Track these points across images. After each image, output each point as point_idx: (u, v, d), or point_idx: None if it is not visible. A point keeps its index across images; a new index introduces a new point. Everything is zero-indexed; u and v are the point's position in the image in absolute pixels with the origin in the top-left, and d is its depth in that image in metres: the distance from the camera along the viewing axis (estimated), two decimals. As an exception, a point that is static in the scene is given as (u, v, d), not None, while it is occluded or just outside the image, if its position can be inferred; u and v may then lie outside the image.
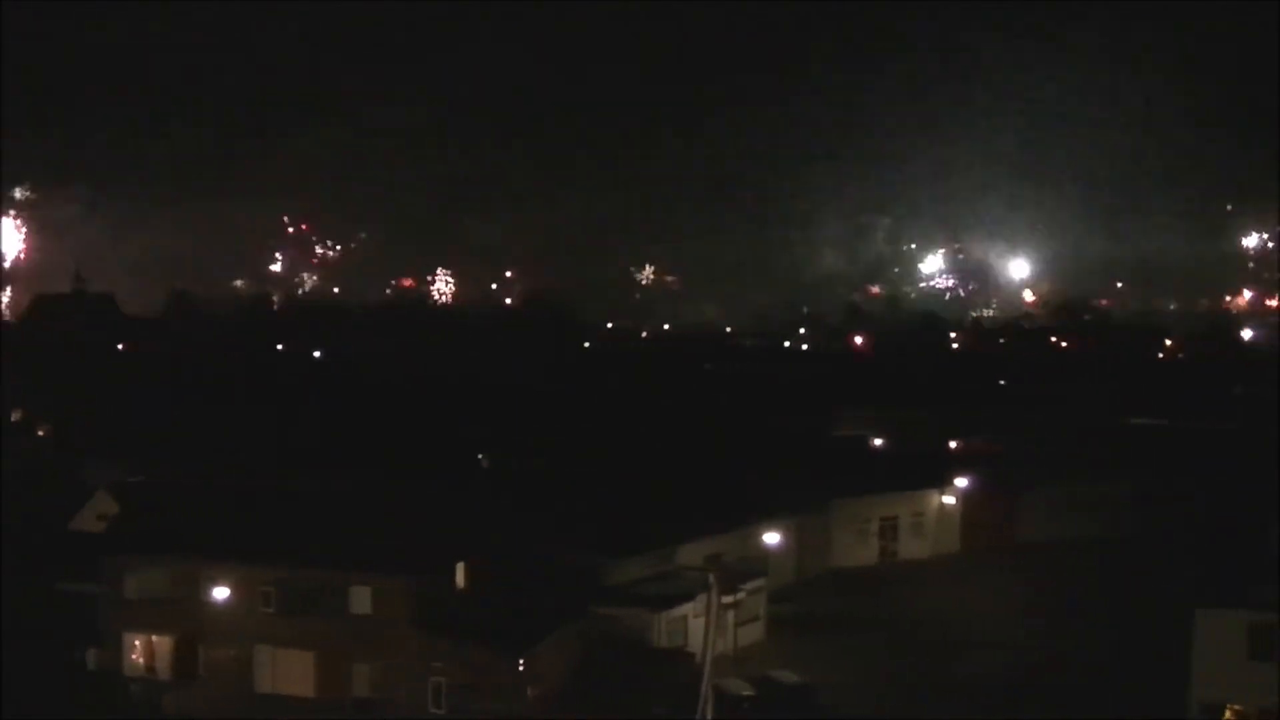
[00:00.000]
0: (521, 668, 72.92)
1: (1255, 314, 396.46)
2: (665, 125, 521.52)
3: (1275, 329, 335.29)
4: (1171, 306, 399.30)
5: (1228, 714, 70.64)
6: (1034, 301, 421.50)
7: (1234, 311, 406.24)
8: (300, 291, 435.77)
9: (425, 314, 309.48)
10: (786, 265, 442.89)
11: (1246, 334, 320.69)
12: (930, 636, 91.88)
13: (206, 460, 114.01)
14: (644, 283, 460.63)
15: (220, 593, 78.60)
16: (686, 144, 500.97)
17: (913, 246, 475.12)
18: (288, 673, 77.98)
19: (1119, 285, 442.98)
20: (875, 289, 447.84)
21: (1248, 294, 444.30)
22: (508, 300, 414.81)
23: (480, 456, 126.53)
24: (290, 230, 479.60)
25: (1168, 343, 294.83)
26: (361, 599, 76.60)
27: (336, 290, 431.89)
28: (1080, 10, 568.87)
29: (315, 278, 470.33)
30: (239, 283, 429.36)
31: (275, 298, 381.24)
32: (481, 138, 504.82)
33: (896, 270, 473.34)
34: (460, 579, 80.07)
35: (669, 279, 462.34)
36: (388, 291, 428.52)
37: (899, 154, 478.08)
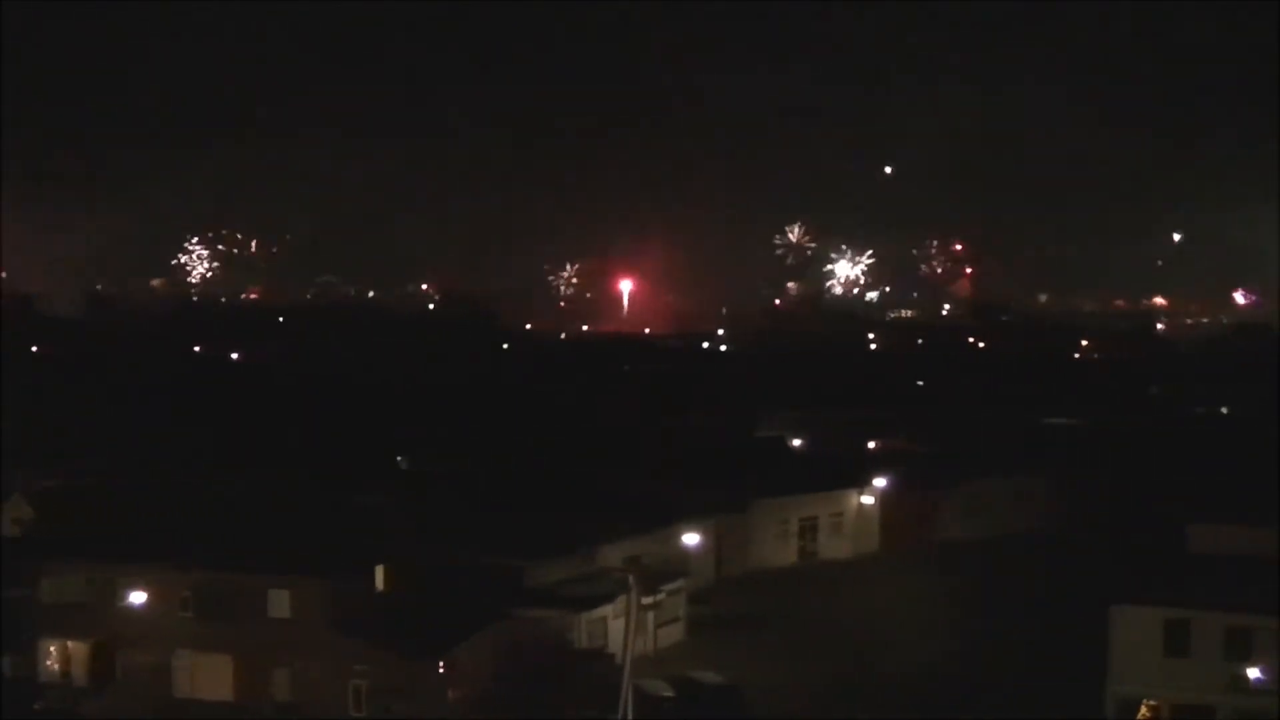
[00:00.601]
0: (442, 670, 72.82)
1: (1171, 314, 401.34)
2: (590, 128, 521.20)
3: (1189, 329, 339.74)
4: (1088, 308, 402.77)
5: (1144, 709, 71.50)
6: (953, 302, 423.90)
7: (1150, 311, 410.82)
8: (220, 292, 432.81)
9: (346, 315, 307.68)
10: (705, 266, 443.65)
11: (1161, 334, 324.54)
12: (850, 636, 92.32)
13: (123, 464, 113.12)
14: (565, 286, 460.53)
15: (137, 597, 78.05)
16: (609, 147, 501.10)
17: (843, 248, 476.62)
18: (207, 677, 77.56)
19: (1039, 286, 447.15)
20: (793, 289, 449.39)
21: (1162, 296, 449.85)
22: (430, 304, 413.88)
23: (400, 458, 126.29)
24: (209, 233, 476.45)
25: (1084, 343, 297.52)
26: (280, 602, 76.25)
27: (254, 294, 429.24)
28: (999, 12, 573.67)
29: (236, 278, 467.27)
30: (156, 282, 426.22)
31: (195, 298, 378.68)
32: (407, 140, 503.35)
33: (812, 272, 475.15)
34: (380, 581, 79.88)
35: (584, 287, 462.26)
36: (308, 295, 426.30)
37: (819, 157, 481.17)
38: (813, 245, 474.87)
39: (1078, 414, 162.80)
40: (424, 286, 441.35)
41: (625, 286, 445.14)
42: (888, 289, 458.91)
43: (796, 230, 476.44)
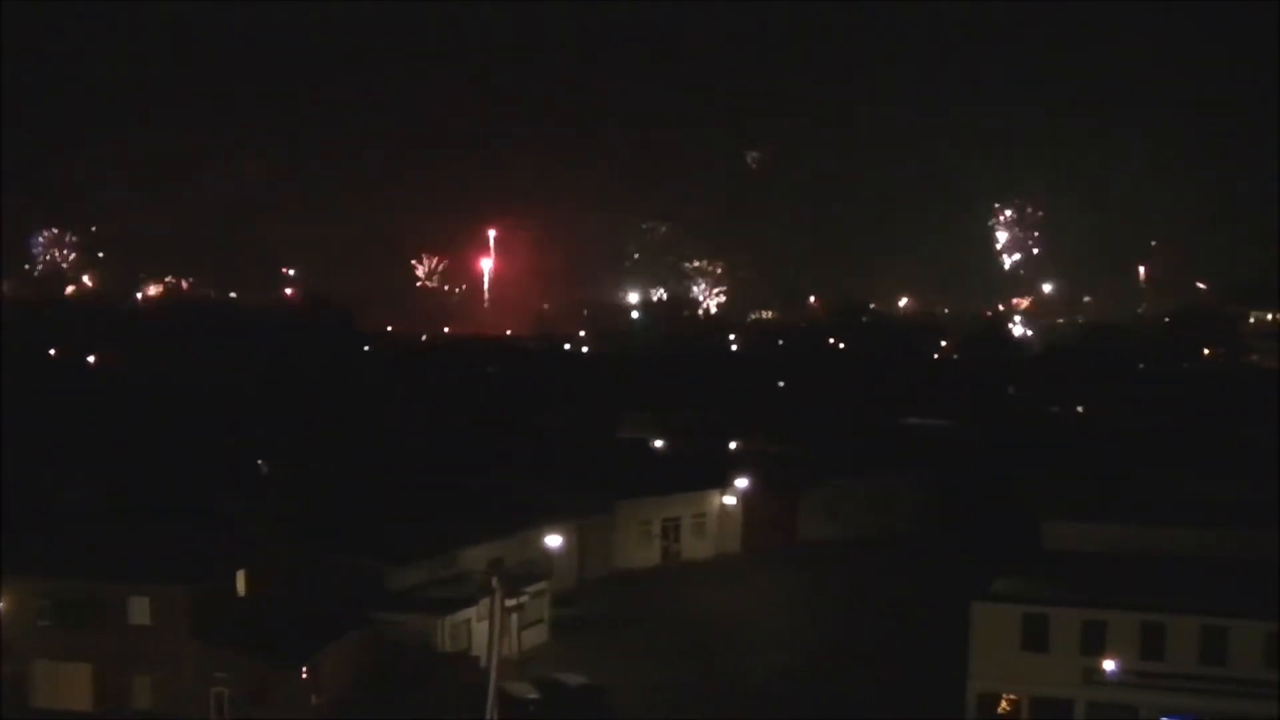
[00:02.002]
0: (305, 675, 72.39)
1: (1029, 315, 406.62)
2: (460, 130, 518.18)
3: (1046, 331, 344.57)
4: (946, 310, 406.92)
5: (1004, 703, 72.59)
6: (814, 304, 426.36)
7: (1006, 313, 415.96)
8: (73, 294, 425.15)
9: (204, 317, 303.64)
10: (568, 269, 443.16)
11: (1019, 335, 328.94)
12: (712, 635, 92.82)
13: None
14: (426, 284, 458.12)
15: (-7, 607, 76.88)
16: (475, 149, 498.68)
17: (707, 263, 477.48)
18: (66, 687, 76.39)
19: (902, 289, 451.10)
20: (657, 291, 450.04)
21: (1019, 298, 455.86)
22: (290, 306, 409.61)
23: (260, 463, 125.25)
24: (59, 232, 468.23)
25: (943, 344, 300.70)
26: (140, 610, 75.30)
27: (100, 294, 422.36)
28: (862, 11, 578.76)
29: (88, 278, 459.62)
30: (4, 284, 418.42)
31: (45, 300, 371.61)
32: (272, 139, 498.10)
33: (676, 273, 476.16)
34: (241, 587, 79.20)
35: (448, 286, 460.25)
36: (144, 293, 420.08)
37: (684, 161, 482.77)
38: (674, 247, 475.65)
39: (936, 414, 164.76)
40: (287, 290, 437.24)
41: (487, 288, 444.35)
42: (748, 291, 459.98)
43: (660, 232, 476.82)
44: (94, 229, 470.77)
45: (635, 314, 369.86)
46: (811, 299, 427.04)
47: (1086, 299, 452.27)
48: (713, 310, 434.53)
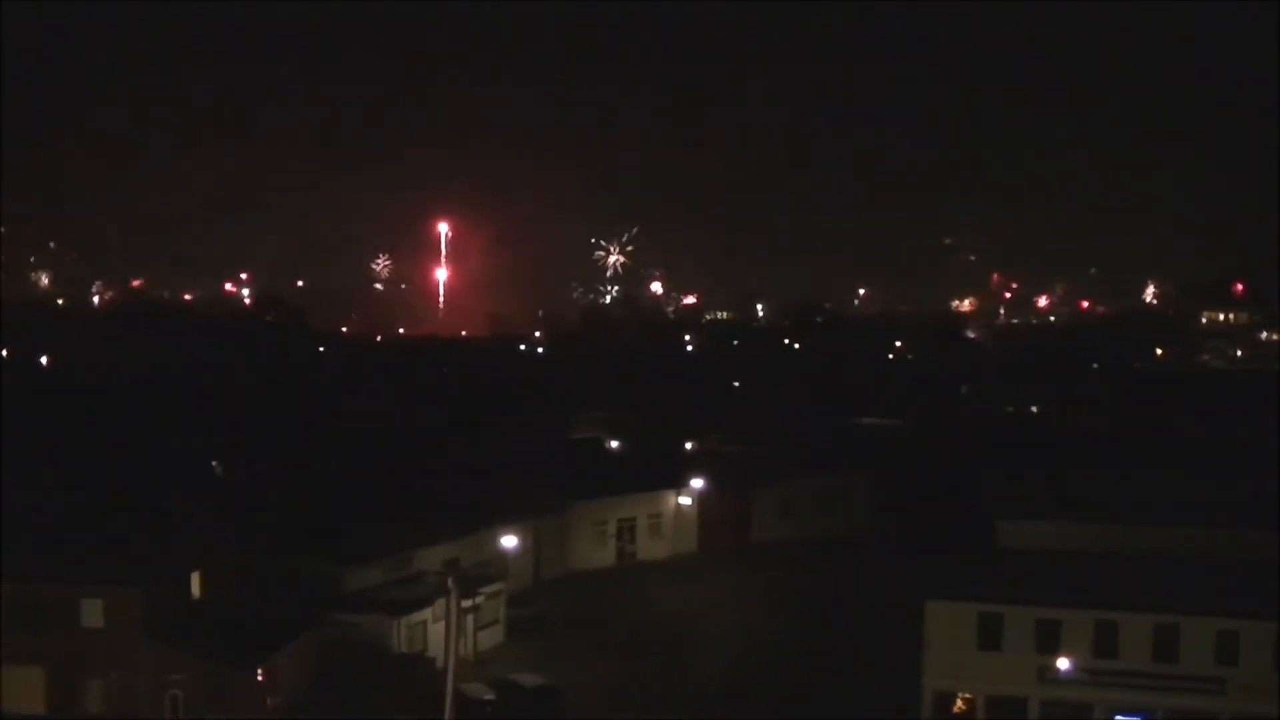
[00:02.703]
0: (260, 677, 72.14)
1: (980, 316, 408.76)
2: (416, 132, 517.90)
3: (999, 331, 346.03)
4: (901, 308, 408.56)
5: (959, 702, 72.93)
6: (769, 305, 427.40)
7: (960, 313, 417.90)
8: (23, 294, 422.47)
9: (158, 318, 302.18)
10: (523, 270, 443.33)
11: (972, 336, 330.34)
12: (668, 636, 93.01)
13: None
14: (381, 283, 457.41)
15: (-56, 610, 76.29)
16: (437, 154, 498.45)
17: (668, 272, 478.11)
18: (18, 690, 75.70)
19: (859, 289, 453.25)
20: (611, 293, 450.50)
21: (972, 298, 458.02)
22: (245, 307, 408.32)
23: (214, 463, 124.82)
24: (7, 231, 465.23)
25: (898, 344, 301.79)
26: (94, 612, 74.80)
27: (61, 298, 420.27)
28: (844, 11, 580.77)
29: (44, 279, 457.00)
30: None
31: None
32: (230, 139, 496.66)
33: (631, 276, 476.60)
34: (196, 588, 78.89)
35: (404, 285, 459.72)
36: (96, 294, 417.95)
37: (639, 162, 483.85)
38: (630, 249, 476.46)
39: (890, 414, 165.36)
40: (245, 292, 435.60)
41: (442, 290, 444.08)
42: (702, 292, 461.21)
43: (620, 239, 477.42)
44: (51, 242, 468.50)
45: (591, 314, 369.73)
46: (765, 302, 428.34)
47: (1045, 299, 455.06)
48: (683, 304, 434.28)
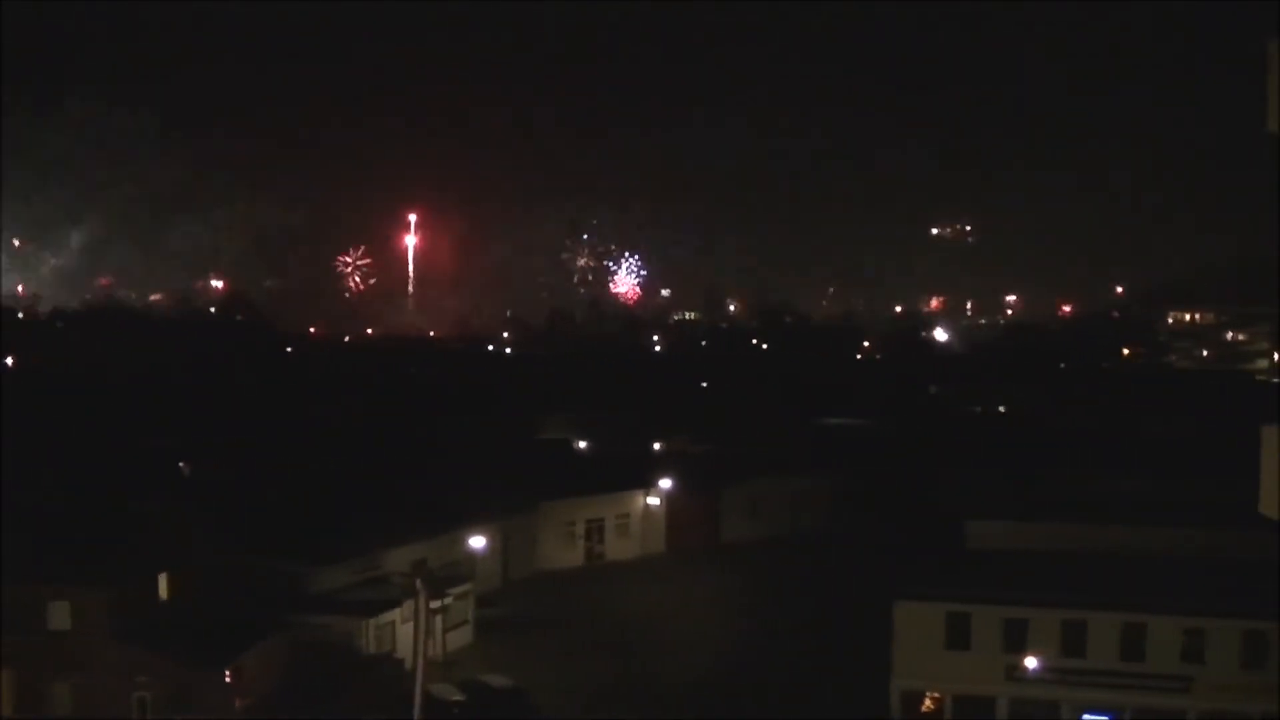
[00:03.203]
0: (228, 678, 71.91)
1: (947, 315, 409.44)
2: (384, 132, 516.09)
3: (965, 331, 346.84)
4: (866, 309, 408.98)
5: (928, 702, 73.12)
6: (737, 305, 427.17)
7: (928, 313, 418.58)
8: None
9: (124, 320, 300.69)
10: (492, 270, 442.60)
11: (940, 335, 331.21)
12: (636, 637, 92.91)
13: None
14: (349, 288, 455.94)
15: (-92, 612, 75.83)
16: (405, 153, 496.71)
17: (627, 254, 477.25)
18: (-16, 692, 75.60)
19: (828, 290, 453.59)
20: (580, 293, 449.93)
21: (938, 298, 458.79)
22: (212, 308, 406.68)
23: (181, 465, 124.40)
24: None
25: (866, 344, 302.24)
26: (60, 614, 74.39)
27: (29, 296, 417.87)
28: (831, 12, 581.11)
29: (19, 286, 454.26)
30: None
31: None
32: (190, 139, 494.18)
33: (599, 276, 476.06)
34: (163, 590, 78.59)
35: (372, 281, 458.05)
36: (85, 299, 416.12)
37: (609, 161, 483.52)
38: (600, 251, 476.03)
39: (858, 414, 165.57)
40: (217, 284, 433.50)
41: (410, 291, 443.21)
42: (668, 293, 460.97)
43: (585, 239, 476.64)
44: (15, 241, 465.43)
45: (559, 315, 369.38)
46: (733, 302, 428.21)
47: (1011, 298, 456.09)
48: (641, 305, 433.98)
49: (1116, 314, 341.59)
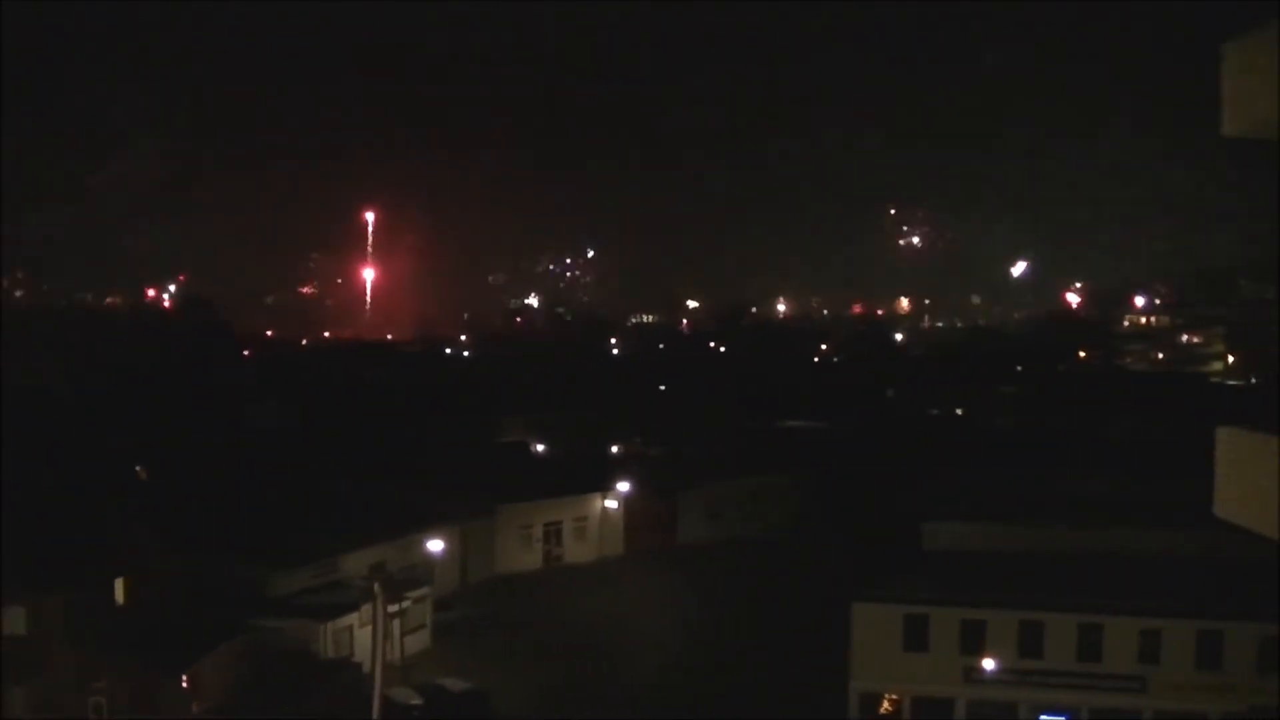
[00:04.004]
0: (185, 683, 71.72)
1: (908, 317, 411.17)
2: (342, 134, 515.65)
3: (924, 333, 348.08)
4: (825, 312, 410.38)
5: (886, 703, 73.37)
6: (695, 307, 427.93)
7: (887, 315, 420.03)
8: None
9: (79, 323, 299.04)
10: (450, 272, 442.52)
11: (899, 338, 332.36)
12: (595, 639, 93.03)
13: None
14: (307, 290, 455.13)
15: None
16: (362, 155, 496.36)
17: (589, 254, 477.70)
18: (-62, 697, 75.17)
19: (784, 291, 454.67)
20: (536, 296, 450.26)
21: (903, 299, 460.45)
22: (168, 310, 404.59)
23: (138, 468, 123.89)
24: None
25: (824, 346, 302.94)
26: (15, 619, 74.07)
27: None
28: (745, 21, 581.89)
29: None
30: None
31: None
32: (151, 138, 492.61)
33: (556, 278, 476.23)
34: (120, 594, 78.33)
35: (327, 293, 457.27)
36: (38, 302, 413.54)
37: (568, 162, 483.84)
38: (559, 253, 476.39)
39: (816, 417, 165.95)
40: (172, 285, 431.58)
41: (369, 294, 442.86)
42: (627, 296, 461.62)
43: (544, 235, 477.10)
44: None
45: (518, 317, 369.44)
46: (693, 303, 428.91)
47: (977, 299, 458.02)
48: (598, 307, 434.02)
49: (1073, 317, 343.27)
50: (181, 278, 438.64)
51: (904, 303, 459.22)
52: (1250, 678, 69.08)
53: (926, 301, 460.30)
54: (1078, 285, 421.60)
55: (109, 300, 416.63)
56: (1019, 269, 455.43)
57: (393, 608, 79.07)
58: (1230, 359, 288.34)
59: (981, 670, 71.49)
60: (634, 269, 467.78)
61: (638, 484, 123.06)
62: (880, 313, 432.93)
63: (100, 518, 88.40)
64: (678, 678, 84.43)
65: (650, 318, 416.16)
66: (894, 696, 73.54)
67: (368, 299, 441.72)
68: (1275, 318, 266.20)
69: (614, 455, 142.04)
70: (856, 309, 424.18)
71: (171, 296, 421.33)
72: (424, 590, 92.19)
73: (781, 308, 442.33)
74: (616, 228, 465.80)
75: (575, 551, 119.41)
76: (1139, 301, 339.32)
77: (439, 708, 75.54)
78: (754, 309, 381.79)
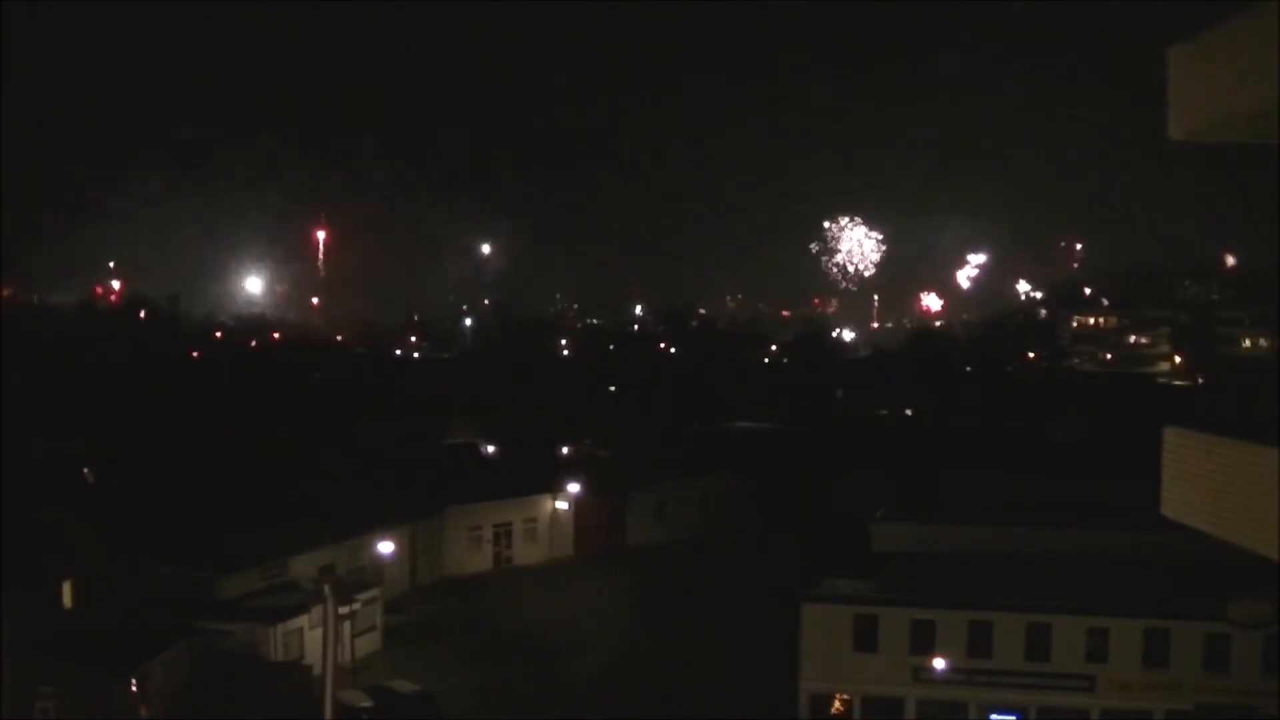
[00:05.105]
0: (134, 687, 71.33)
1: (857, 318, 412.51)
2: (292, 129, 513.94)
3: (872, 333, 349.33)
4: (778, 313, 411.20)
5: (836, 703, 73.61)
6: (644, 310, 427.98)
7: (835, 316, 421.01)
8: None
9: (22, 319, 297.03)
10: (399, 275, 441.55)
11: (847, 338, 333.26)
12: (543, 640, 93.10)
13: None
14: (255, 291, 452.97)
15: None
16: (312, 151, 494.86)
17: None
18: (-118, 703, 74.55)
19: (735, 292, 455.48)
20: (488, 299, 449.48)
21: (845, 300, 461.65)
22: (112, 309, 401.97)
23: (85, 471, 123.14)
24: None
25: (773, 347, 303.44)
26: (-40, 623, 73.71)
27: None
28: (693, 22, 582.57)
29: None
30: None
31: None
32: (98, 134, 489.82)
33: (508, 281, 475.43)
34: (67, 598, 77.83)
35: (279, 289, 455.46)
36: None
37: (517, 164, 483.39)
38: (509, 252, 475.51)
39: (764, 418, 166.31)
40: (110, 295, 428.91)
41: (315, 295, 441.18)
42: (574, 305, 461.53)
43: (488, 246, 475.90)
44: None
45: (467, 320, 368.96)
46: (639, 306, 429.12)
47: (926, 300, 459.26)
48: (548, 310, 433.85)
49: (1021, 317, 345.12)
50: (123, 279, 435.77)
51: (840, 304, 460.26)
52: (1197, 676, 69.67)
53: (875, 299, 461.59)
54: (1026, 286, 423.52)
55: (53, 300, 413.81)
56: (968, 270, 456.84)
57: (343, 610, 78.92)
58: (1176, 360, 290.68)
59: (931, 670, 71.82)
60: (584, 270, 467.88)
61: (587, 485, 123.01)
62: (829, 313, 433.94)
63: (46, 520, 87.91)
64: (626, 678, 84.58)
65: (595, 321, 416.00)
66: (844, 697, 73.80)
67: (315, 300, 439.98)
68: (1217, 319, 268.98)
69: (563, 457, 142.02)
70: (797, 311, 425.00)
71: (118, 295, 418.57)
72: (374, 592, 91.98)
73: (730, 308, 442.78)
74: (565, 228, 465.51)
75: (525, 553, 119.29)
76: (1088, 304, 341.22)
77: (388, 710, 75.36)
78: (702, 310, 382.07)
